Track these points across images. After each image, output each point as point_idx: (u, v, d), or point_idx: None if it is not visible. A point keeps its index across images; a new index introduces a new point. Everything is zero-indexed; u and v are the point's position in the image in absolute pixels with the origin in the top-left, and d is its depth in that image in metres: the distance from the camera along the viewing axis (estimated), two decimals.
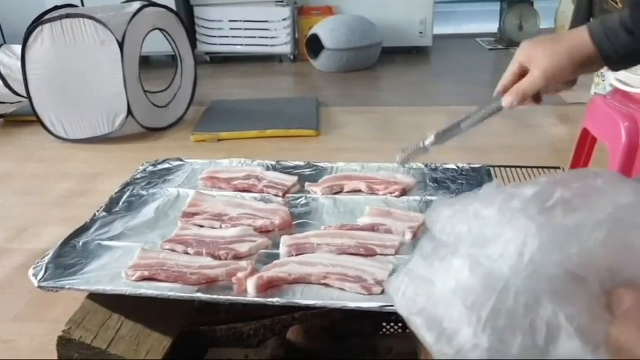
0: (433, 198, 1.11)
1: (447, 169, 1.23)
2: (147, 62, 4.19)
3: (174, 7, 3.51)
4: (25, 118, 2.98)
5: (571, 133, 2.65)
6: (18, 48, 2.75)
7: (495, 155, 2.43)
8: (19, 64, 2.68)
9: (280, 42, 4.15)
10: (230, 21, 4.10)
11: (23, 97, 2.82)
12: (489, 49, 4.40)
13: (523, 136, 2.66)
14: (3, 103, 3.00)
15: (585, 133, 1.52)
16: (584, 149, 1.53)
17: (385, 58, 4.13)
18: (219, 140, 2.79)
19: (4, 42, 3.58)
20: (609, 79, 2.90)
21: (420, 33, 4.21)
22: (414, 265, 0.56)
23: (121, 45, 2.57)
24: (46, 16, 2.61)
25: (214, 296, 0.85)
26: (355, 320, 1.18)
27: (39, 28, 2.59)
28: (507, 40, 4.36)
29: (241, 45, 4.17)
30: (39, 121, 2.79)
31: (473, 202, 0.53)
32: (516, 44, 4.11)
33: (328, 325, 1.22)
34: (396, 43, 4.20)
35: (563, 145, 2.50)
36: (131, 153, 2.69)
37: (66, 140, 2.81)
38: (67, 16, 2.58)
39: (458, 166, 1.23)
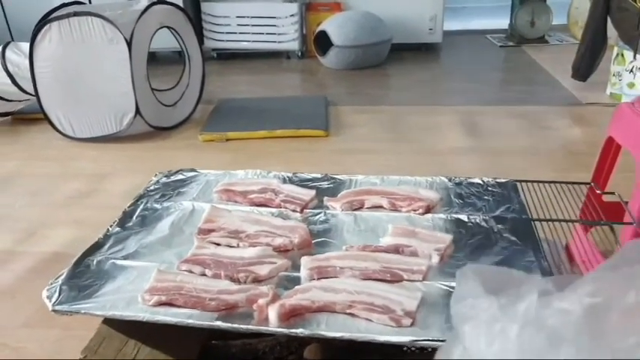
0: (459, 216, 1.07)
1: (472, 183, 1.19)
2: (154, 59, 4.15)
3: (181, 4, 3.46)
4: (34, 116, 2.95)
5: (587, 135, 2.60)
6: (26, 46, 2.71)
7: (510, 158, 2.39)
8: (26, 62, 2.64)
9: (288, 38, 4.10)
10: (237, 17, 4.05)
11: (31, 95, 2.79)
12: (500, 45, 4.34)
13: (538, 139, 2.61)
14: (11, 101, 2.97)
15: (610, 141, 1.47)
16: (608, 158, 1.48)
17: (394, 55, 4.08)
18: (227, 140, 2.76)
19: (12, 40, 3.54)
20: (626, 78, 2.86)
21: (430, 30, 4.15)
22: None
23: (129, 44, 2.53)
24: (54, 14, 2.57)
25: (235, 325, 0.82)
26: None
27: (47, 26, 2.55)
28: (519, 36, 4.30)
29: (248, 41, 4.13)
30: (47, 120, 2.75)
31: (500, 318, 0.48)
32: (528, 41, 4.08)
33: (347, 344, 1.19)
34: (405, 40, 4.14)
35: (579, 148, 2.46)
36: (139, 152, 2.66)
37: (74, 139, 2.78)
38: (75, 14, 2.54)
39: (483, 181, 1.19)
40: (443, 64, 4.13)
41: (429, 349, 1.18)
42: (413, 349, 1.24)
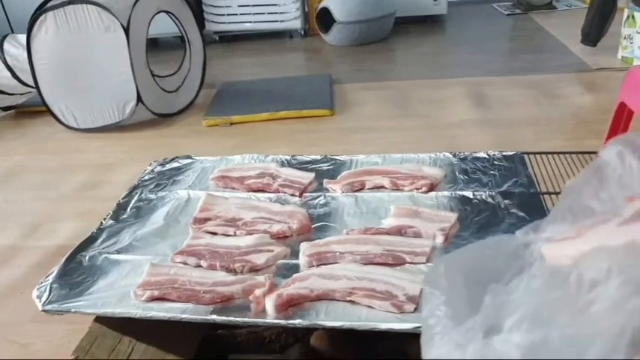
0: (464, 193, 1.02)
1: (478, 158, 1.14)
2: (155, 45, 4.11)
3: None
4: (36, 108, 2.93)
5: (598, 102, 2.52)
6: (23, 38, 2.67)
7: (519, 129, 2.33)
8: (25, 54, 2.61)
9: (290, 17, 4.02)
10: None
11: (32, 87, 2.77)
12: (507, 14, 4.22)
13: (547, 107, 2.53)
14: (13, 94, 2.95)
15: (622, 106, 1.41)
16: (620, 124, 1.42)
17: (399, 29, 3.99)
18: (231, 124, 2.72)
19: (12, 31, 3.51)
20: (638, 41, 2.76)
21: (435, 1, 4.05)
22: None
23: (126, 30, 2.48)
24: (49, 4, 2.52)
25: (230, 318, 0.79)
26: None
27: (42, 16, 2.51)
28: (526, 4, 4.18)
29: (250, 22, 4.06)
30: (49, 112, 2.73)
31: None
32: (535, 8, 3.95)
33: (353, 330, 1.15)
34: (409, 12, 4.05)
35: (590, 115, 2.38)
36: (144, 141, 2.63)
37: (77, 130, 2.76)
38: (70, 2, 2.49)
39: (489, 155, 1.14)
40: (449, 36, 4.03)
41: None
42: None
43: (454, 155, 1.16)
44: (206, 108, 2.87)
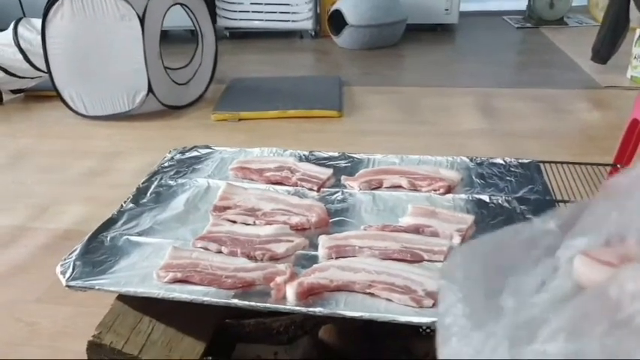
0: (481, 197, 1.04)
1: (494, 163, 1.16)
2: (165, 37, 4.11)
3: None
4: (46, 93, 2.94)
5: (606, 119, 2.54)
6: (38, 22, 2.69)
7: (526, 141, 2.35)
8: (39, 38, 2.62)
9: (302, 17, 4.04)
10: None
11: (44, 72, 2.78)
12: (517, 27, 4.26)
13: (554, 122, 2.56)
14: (23, 77, 2.96)
15: (634, 123, 1.44)
16: (631, 141, 1.45)
17: (409, 35, 4.02)
18: (239, 120, 2.73)
19: (24, 15, 3.52)
20: None
21: (446, 10, 4.08)
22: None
23: (141, 20, 2.50)
24: None
25: (252, 303, 0.80)
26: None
27: (59, 1, 2.52)
28: (537, 18, 4.21)
29: (261, 20, 4.08)
30: (59, 97, 2.74)
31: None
32: (546, 23, 3.96)
33: (362, 325, 1.17)
34: (420, 20, 4.08)
35: (597, 132, 2.41)
36: (152, 131, 2.64)
37: (86, 117, 2.77)
38: None
39: (505, 161, 1.16)
40: (458, 46, 4.06)
41: None
42: (429, 331, 1.23)
43: (471, 160, 1.18)
44: (215, 102, 2.89)
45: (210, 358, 1.00)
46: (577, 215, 0.49)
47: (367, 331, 1.18)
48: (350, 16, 3.72)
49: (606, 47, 2.92)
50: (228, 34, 4.21)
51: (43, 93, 3.00)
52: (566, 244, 0.48)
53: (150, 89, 2.63)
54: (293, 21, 4.06)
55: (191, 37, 3.98)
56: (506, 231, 0.52)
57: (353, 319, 0.77)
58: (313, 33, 4.15)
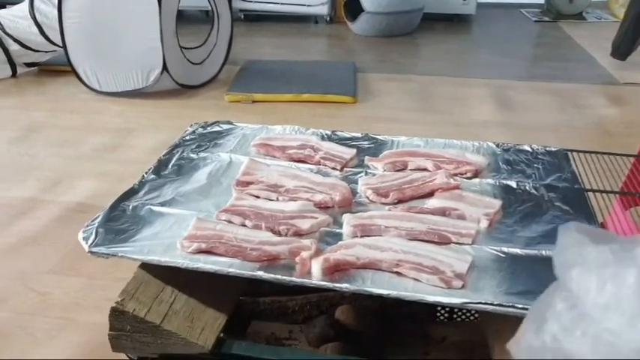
0: (508, 182, 1.03)
1: (521, 150, 1.14)
2: (180, 17, 4.08)
3: None
4: (60, 68, 2.93)
5: (624, 115, 2.52)
6: None
7: (541, 134, 2.33)
8: (55, 12, 2.60)
9: (317, 2, 4.01)
10: None
11: (59, 46, 2.76)
12: (535, 20, 4.22)
13: (571, 116, 2.53)
14: (38, 51, 2.94)
15: None
16: None
17: (425, 24, 3.98)
18: (253, 102, 2.72)
19: None
20: None
21: (464, 0, 4.04)
22: (553, 335, 0.47)
23: None
24: None
25: (278, 276, 0.79)
26: (408, 304, 1.12)
27: None
28: (555, 12, 4.17)
29: (276, 3, 4.05)
30: (73, 72, 2.73)
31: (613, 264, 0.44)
32: (564, 17, 3.93)
33: (379, 308, 1.16)
34: (437, 9, 4.04)
35: (614, 128, 2.38)
36: (165, 110, 2.63)
37: (99, 93, 2.76)
38: None
39: (532, 149, 1.14)
40: (475, 37, 4.03)
41: (471, 317, 1.15)
42: (443, 318, 1.22)
43: (497, 145, 1.17)
44: (229, 84, 2.87)
45: (222, 334, 0.99)
46: None
47: (383, 314, 1.17)
48: (367, 3, 3.69)
49: (627, 43, 2.89)
50: (242, 16, 4.18)
51: (57, 67, 2.98)
52: None
53: (164, 67, 2.61)
54: (308, 5, 4.03)
55: (206, 17, 3.95)
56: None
57: (380, 297, 0.76)
58: (328, 18, 4.12)
